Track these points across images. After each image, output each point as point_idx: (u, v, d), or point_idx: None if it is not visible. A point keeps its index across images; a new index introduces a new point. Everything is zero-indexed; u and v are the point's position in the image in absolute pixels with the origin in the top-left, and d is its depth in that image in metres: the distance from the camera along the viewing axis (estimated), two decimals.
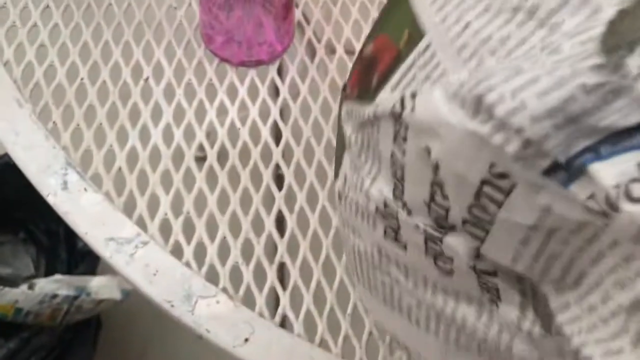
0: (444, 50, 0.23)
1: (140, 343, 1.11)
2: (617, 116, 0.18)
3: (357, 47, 0.55)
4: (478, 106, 0.20)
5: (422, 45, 0.24)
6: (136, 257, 0.45)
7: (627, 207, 0.18)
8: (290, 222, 0.48)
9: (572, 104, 0.18)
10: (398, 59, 0.25)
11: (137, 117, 0.50)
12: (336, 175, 0.30)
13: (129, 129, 0.50)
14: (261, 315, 0.44)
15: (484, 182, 0.20)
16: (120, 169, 0.48)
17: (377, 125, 0.24)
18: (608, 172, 0.18)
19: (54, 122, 0.50)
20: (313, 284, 0.46)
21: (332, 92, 0.52)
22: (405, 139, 0.22)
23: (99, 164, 0.48)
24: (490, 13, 0.22)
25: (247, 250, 0.46)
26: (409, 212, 0.24)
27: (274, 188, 0.49)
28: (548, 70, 0.19)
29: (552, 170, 0.19)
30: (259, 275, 0.46)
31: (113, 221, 0.46)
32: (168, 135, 0.50)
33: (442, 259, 0.24)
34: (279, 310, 0.45)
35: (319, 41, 0.55)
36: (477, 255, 0.22)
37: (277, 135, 0.51)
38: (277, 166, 0.50)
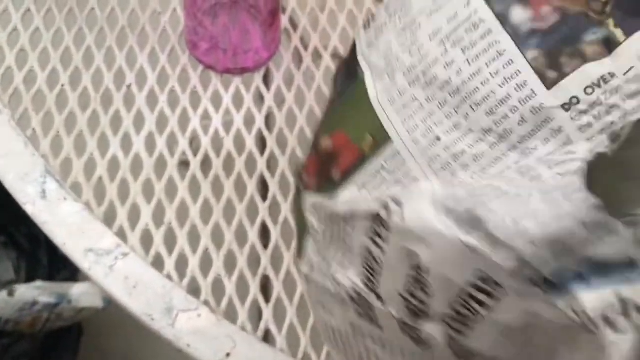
0: (414, 159, 0.24)
1: (122, 350, 1.10)
2: (608, 251, 0.20)
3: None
4: (473, 222, 0.21)
5: (389, 151, 0.25)
6: (116, 269, 0.44)
7: (609, 335, 0.20)
8: (275, 233, 0.47)
9: (571, 236, 0.20)
10: (362, 160, 0.26)
11: (119, 125, 0.49)
12: (299, 255, 0.31)
13: (111, 137, 0.49)
14: (243, 329, 0.43)
15: (471, 285, 0.22)
16: (101, 177, 0.47)
17: (352, 222, 0.25)
18: (594, 301, 0.20)
19: (33, 129, 0.48)
20: (297, 298, 0.45)
21: (318, 101, 0.52)
22: (386, 240, 0.24)
23: (79, 173, 0.47)
24: (460, 131, 0.23)
25: (230, 262, 0.46)
26: (383, 302, 0.25)
27: (258, 198, 0.48)
28: (544, 200, 0.21)
29: (544, 284, 0.21)
30: (242, 288, 0.45)
31: (92, 232, 0.45)
32: (150, 144, 0.49)
33: (420, 339, 0.25)
34: (262, 325, 0.44)
35: (305, 48, 0.54)
36: (457, 344, 0.24)
37: (262, 144, 0.50)
38: (262, 176, 0.49)
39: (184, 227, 0.46)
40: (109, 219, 0.46)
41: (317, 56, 0.54)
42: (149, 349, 1.06)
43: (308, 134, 0.50)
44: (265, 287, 0.45)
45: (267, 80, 0.53)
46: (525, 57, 0.22)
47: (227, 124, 0.50)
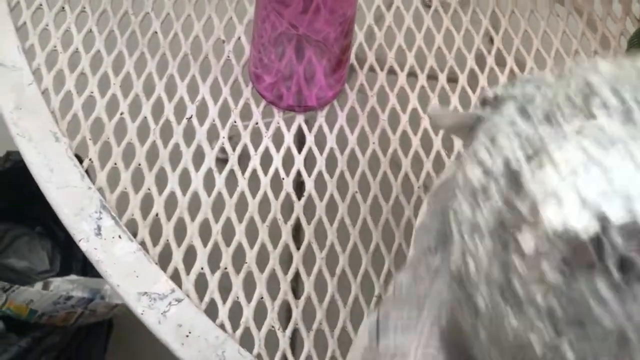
0: None
1: (151, 345, 1.10)
2: None
3: (410, 96, 0.52)
4: None
5: None
6: (169, 315, 0.43)
7: None
8: (331, 286, 0.45)
9: None
10: None
11: (177, 159, 0.48)
12: None
13: (169, 172, 0.47)
14: None
15: None
16: (157, 215, 0.46)
17: None
18: None
19: (90, 160, 0.47)
20: None
21: (383, 147, 0.50)
22: None
23: (135, 209, 0.46)
24: None
25: (285, 314, 0.44)
26: None
27: (315, 247, 0.46)
28: None
29: None
30: (296, 341, 0.44)
31: (147, 274, 0.44)
32: (209, 182, 0.47)
33: None
34: None
35: (371, 88, 0.52)
36: None
37: (322, 190, 0.49)
38: (321, 220, 0.47)
39: (240, 273, 0.45)
40: (163, 260, 0.45)
41: (382, 95, 0.52)
42: None
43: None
44: (319, 342, 0.44)
45: (329, 119, 0.51)
46: None
47: (287, 165, 0.49)
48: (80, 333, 0.98)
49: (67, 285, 0.96)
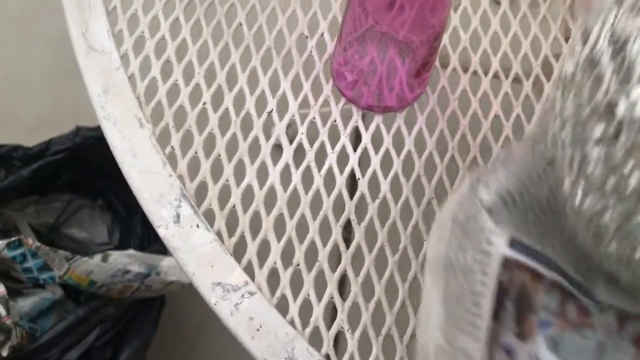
0: None
1: (198, 323, 1.12)
2: None
3: (493, 102, 0.51)
4: None
5: None
6: (241, 307, 0.43)
7: None
8: (402, 291, 0.45)
9: None
10: None
11: (256, 153, 0.48)
12: None
13: (248, 165, 0.48)
14: None
15: None
16: (234, 206, 0.47)
17: None
18: None
19: (172, 147, 0.48)
20: None
21: (461, 152, 0.49)
22: None
23: (213, 199, 0.47)
24: None
25: (355, 315, 0.44)
26: None
27: (388, 251, 0.46)
28: None
29: None
30: (364, 344, 0.44)
31: (222, 264, 0.45)
32: (286, 177, 0.48)
33: None
34: None
35: (453, 92, 0.52)
36: None
37: (398, 191, 0.48)
38: (395, 227, 0.47)
39: (312, 270, 0.45)
40: (238, 252, 0.45)
41: (464, 98, 0.52)
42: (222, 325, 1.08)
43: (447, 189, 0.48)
44: (388, 347, 0.44)
45: (409, 120, 0.51)
46: None
47: (364, 165, 0.49)
48: (133, 306, 1.01)
49: (125, 259, 0.98)
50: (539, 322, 0.32)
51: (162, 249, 0.99)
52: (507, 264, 0.33)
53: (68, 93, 1.04)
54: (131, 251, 0.98)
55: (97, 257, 0.95)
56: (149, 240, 1.04)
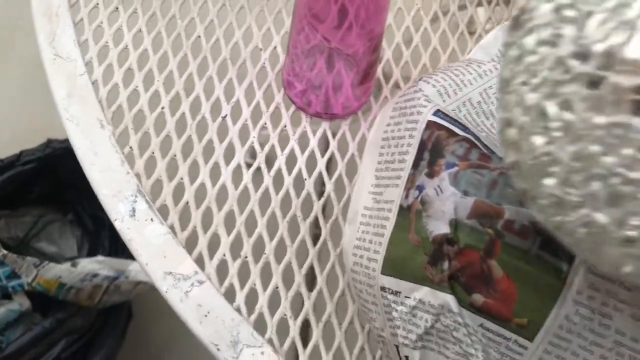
0: None
1: (164, 335, 1.14)
2: None
3: None
4: None
5: None
6: (191, 295, 0.46)
7: None
8: (343, 282, 0.48)
9: None
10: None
11: (210, 154, 0.52)
12: None
13: (201, 165, 0.51)
14: None
15: None
16: (187, 203, 0.50)
17: None
18: None
19: (130, 147, 0.51)
20: (357, 348, 0.47)
21: None
22: None
23: (168, 196, 0.50)
24: None
25: (297, 304, 0.48)
26: None
27: (330, 245, 0.50)
28: None
29: None
30: (305, 331, 0.47)
31: (174, 255, 0.48)
32: (237, 177, 0.51)
33: None
34: None
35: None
36: None
37: (342, 188, 0.52)
38: (338, 222, 0.51)
39: (258, 262, 0.49)
40: (190, 244, 0.48)
41: None
42: (189, 337, 1.10)
43: None
44: (328, 333, 0.47)
45: (353, 127, 0.55)
46: None
47: (311, 166, 0.52)
48: (100, 318, 1.03)
49: (94, 265, 1.00)
50: (445, 163, 0.37)
51: (130, 259, 1.02)
52: (430, 125, 0.42)
53: (41, 112, 1.07)
54: (100, 257, 1.00)
55: (67, 264, 0.97)
56: (116, 253, 1.06)
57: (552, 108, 0.27)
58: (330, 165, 0.53)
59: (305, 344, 0.47)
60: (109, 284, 0.97)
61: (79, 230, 1.10)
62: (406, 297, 0.39)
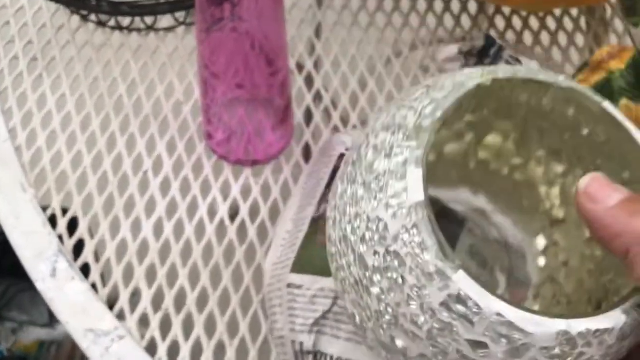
0: None
1: None
2: None
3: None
4: None
5: None
6: (111, 350, 0.46)
7: None
8: (265, 326, 0.48)
9: None
10: None
11: (131, 209, 0.52)
12: None
13: (123, 220, 0.52)
14: None
15: None
16: (109, 259, 0.50)
17: None
18: None
19: (53, 209, 0.52)
20: None
21: None
22: None
23: (89, 254, 0.50)
24: None
25: (220, 353, 0.47)
26: None
27: (253, 291, 0.50)
28: None
29: None
30: None
31: (94, 312, 0.48)
32: (158, 230, 0.52)
33: None
34: None
35: (316, 144, 0.57)
36: None
37: (264, 235, 0.52)
38: (260, 266, 0.51)
39: (180, 314, 0.49)
40: (111, 300, 0.49)
41: None
42: None
43: None
44: None
45: (276, 171, 0.55)
46: None
47: (233, 214, 0.53)
48: None
49: None
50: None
51: None
52: (342, 156, 0.49)
53: None
54: None
55: (45, 329, 0.98)
56: None
57: None
58: (252, 211, 0.53)
59: None
60: None
61: None
62: (308, 289, 0.43)
